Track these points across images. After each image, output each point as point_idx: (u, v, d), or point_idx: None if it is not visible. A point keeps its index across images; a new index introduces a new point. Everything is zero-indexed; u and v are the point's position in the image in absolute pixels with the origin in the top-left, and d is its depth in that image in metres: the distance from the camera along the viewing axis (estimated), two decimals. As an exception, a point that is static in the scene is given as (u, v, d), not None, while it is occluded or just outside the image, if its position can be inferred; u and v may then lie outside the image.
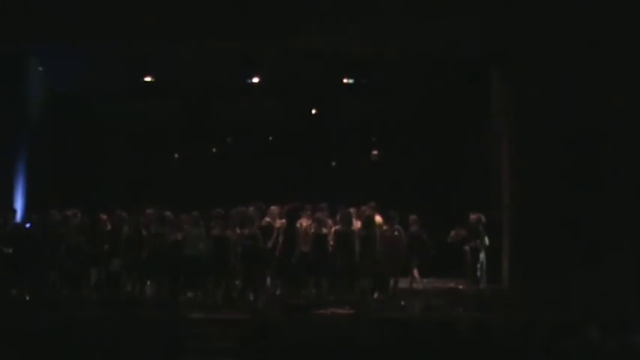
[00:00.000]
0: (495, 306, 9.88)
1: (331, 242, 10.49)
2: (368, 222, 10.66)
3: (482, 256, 10.63)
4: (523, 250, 10.74)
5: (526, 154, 10.85)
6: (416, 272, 11.20)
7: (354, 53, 11.81)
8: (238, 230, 10.42)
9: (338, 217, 10.68)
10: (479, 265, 10.65)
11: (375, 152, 14.64)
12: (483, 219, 10.67)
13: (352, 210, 10.79)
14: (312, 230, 10.52)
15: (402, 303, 10.29)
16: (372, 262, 10.47)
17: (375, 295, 10.66)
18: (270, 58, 12.12)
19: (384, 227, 10.73)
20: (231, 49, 11.59)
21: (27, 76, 12.62)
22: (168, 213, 10.67)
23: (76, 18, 10.56)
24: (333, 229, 10.56)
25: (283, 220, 10.64)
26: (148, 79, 12.42)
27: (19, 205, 12.10)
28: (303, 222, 10.66)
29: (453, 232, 10.92)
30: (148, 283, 10.72)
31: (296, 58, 12.05)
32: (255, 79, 12.49)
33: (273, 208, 10.89)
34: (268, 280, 10.70)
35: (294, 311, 9.59)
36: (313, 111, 14.19)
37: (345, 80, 12.73)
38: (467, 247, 10.65)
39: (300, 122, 14.03)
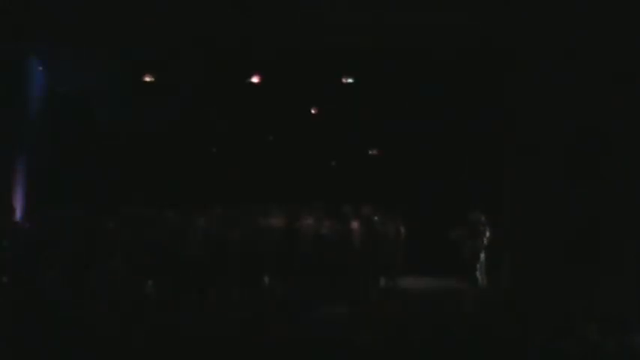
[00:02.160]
0: (495, 306, 9.87)
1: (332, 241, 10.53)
2: (368, 221, 10.68)
3: (482, 256, 10.64)
4: (523, 250, 10.73)
5: (526, 153, 10.86)
6: None
7: (352, 51, 11.82)
8: (239, 230, 10.45)
9: (337, 217, 10.71)
10: (479, 265, 10.65)
11: (374, 151, 14.63)
12: (483, 218, 10.68)
13: (352, 209, 10.81)
14: (312, 230, 10.54)
15: (402, 302, 10.30)
16: (372, 261, 10.49)
17: (375, 294, 10.67)
18: (269, 57, 12.12)
19: (384, 226, 10.76)
20: (231, 49, 11.60)
21: (27, 76, 12.63)
22: (169, 213, 10.69)
23: (76, 18, 10.57)
24: (333, 229, 10.58)
25: (283, 220, 10.67)
26: (147, 79, 12.44)
27: (18, 204, 12.10)
28: (303, 221, 10.68)
29: (453, 232, 10.93)
30: (149, 283, 10.73)
31: (296, 56, 12.05)
32: (256, 79, 12.51)
33: (273, 207, 10.90)
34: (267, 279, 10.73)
35: (294, 311, 9.59)
36: (313, 110, 14.19)
37: (344, 78, 12.75)
38: (466, 247, 10.67)
39: (300, 122, 14.02)
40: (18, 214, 11.66)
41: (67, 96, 13.60)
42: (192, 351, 8.53)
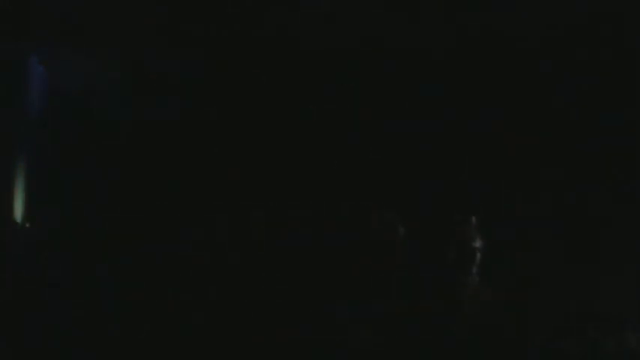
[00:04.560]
0: (495, 306, 9.88)
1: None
2: (367, 222, 10.67)
3: (481, 256, 10.63)
4: (522, 250, 10.74)
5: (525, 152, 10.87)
6: None
7: (352, 51, 11.84)
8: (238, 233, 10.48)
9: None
10: (478, 265, 10.65)
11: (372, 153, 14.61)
12: (473, 220, 10.66)
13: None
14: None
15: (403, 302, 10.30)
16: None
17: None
18: (270, 57, 12.13)
19: (384, 228, 10.75)
20: (232, 48, 11.61)
21: (27, 76, 12.62)
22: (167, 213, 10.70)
23: (76, 18, 10.57)
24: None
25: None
26: (148, 78, 12.43)
27: (18, 205, 12.09)
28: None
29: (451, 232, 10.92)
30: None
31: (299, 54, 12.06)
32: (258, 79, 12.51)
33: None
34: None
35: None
36: (315, 110, 14.16)
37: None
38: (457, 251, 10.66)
39: (305, 122, 14.00)
40: (18, 214, 11.66)
41: (67, 96, 13.59)
42: (195, 350, 8.54)
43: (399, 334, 8.09)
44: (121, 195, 13.20)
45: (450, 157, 13.55)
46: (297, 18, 10.66)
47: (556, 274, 10.05)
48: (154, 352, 7.91)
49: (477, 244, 10.71)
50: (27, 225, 11.09)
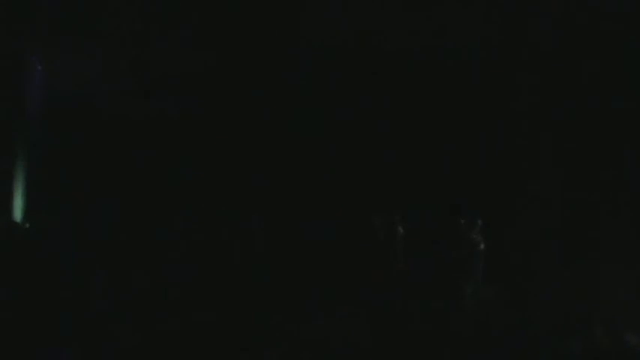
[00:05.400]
0: (495, 306, 9.89)
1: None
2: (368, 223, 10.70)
3: (481, 256, 10.64)
4: (522, 250, 10.74)
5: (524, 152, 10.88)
6: None
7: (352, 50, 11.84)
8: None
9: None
10: (478, 265, 10.66)
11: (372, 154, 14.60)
12: (474, 221, 10.67)
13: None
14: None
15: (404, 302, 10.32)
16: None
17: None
18: (271, 56, 12.13)
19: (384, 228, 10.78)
20: (233, 48, 11.61)
21: (27, 76, 12.62)
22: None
23: (76, 18, 10.57)
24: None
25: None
26: (149, 78, 12.44)
27: (18, 206, 12.09)
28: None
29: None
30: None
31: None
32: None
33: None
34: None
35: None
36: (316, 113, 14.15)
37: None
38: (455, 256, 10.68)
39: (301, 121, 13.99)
40: (18, 214, 11.66)
41: (67, 96, 13.57)
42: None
43: (399, 333, 8.09)
44: (120, 194, 13.20)
45: (451, 158, 13.56)
46: (297, 20, 10.67)
47: (556, 274, 10.05)
48: (153, 351, 7.91)
49: (478, 244, 10.73)
50: (27, 225, 11.09)
